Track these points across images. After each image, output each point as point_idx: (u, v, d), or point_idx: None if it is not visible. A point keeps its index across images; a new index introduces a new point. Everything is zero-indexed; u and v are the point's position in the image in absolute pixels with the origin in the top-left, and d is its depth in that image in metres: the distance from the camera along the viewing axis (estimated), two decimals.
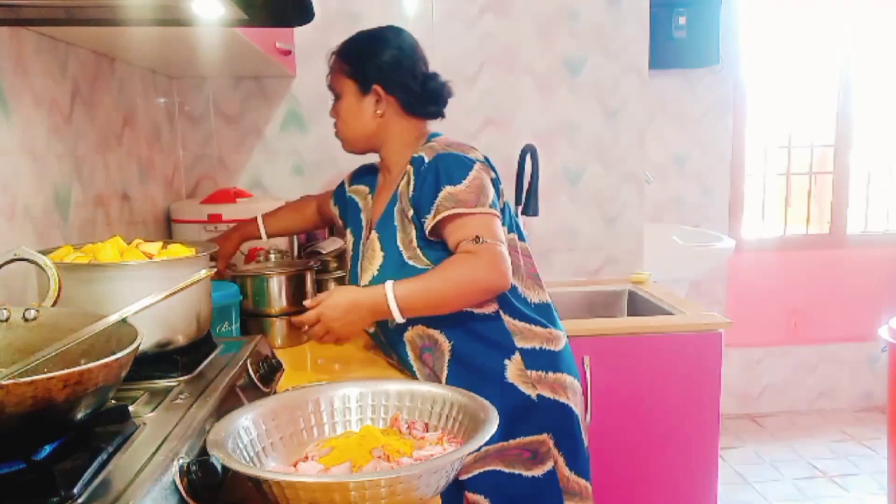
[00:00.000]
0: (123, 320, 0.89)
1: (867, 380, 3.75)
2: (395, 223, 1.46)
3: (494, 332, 1.44)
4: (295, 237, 2.26)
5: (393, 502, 0.80)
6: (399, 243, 1.44)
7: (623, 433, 2.10)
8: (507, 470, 1.42)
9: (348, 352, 1.75)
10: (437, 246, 1.42)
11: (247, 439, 0.93)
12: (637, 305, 2.52)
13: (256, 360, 1.25)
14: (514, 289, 1.46)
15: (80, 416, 0.76)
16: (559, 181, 2.60)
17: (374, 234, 1.50)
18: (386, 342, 1.56)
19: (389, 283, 1.33)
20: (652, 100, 3.19)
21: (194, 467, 0.80)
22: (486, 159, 1.47)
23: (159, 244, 1.23)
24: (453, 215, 1.36)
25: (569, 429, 1.46)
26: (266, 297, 1.75)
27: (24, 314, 0.94)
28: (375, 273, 1.45)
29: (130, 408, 0.94)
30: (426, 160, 1.42)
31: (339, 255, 2.13)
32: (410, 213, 1.42)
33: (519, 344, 1.44)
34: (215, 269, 1.17)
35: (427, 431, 1.02)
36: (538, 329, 1.46)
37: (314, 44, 2.41)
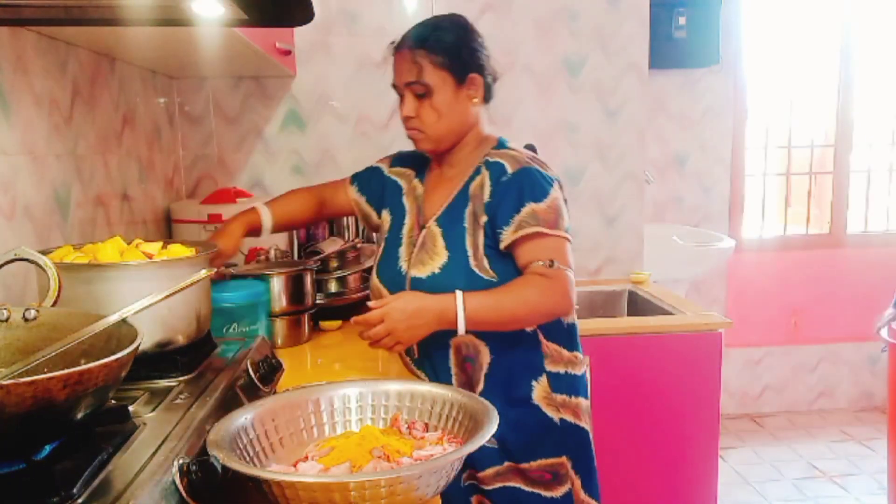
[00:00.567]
0: (123, 320, 0.89)
1: (867, 380, 3.75)
2: (465, 224, 1.42)
3: (529, 353, 1.44)
4: (295, 237, 2.26)
5: (393, 502, 0.80)
6: (468, 246, 1.40)
7: (623, 433, 2.10)
8: (527, 489, 1.44)
9: (348, 352, 1.75)
10: (506, 259, 1.39)
11: (247, 439, 0.93)
12: (637, 305, 2.52)
13: (256, 360, 1.25)
14: None
15: (80, 416, 0.76)
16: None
17: (434, 227, 1.45)
18: (427, 349, 1.49)
19: (460, 295, 1.31)
20: (652, 100, 3.19)
21: (194, 467, 0.80)
22: (558, 178, 1.45)
23: (159, 244, 1.23)
24: (533, 234, 1.34)
25: (585, 452, 1.48)
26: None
27: (24, 314, 0.94)
28: (437, 271, 1.41)
29: (130, 408, 0.94)
30: (508, 170, 1.39)
31: (340, 255, 2.13)
32: (484, 219, 1.39)
33: (548, 367, 1.44)
34: (215, 270, 1.16)
35: (427, 431, 1.02)
36: (565, 352, 1.47)
37: (314, 44, 2.42)
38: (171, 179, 2.34)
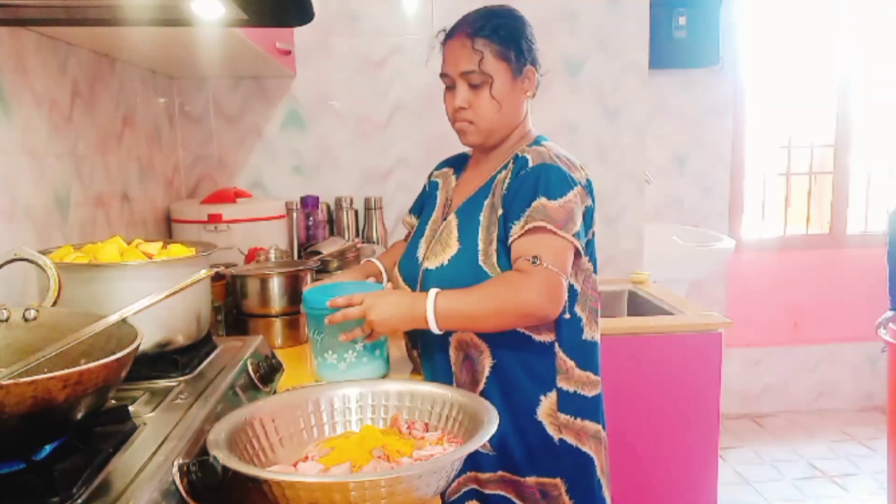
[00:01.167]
0: (123, 320, 0.89)
1: (867, 380, 3.75)
2: (481, 217, 1.37)
3: (541, 364, 1.38)
4: (295, 237, 2.26)
5: (393, 502, 0.80)
6: (480, 240, 1.36)
7: (623, 433, 2.09)
8: (518, 502, 1.40)
9: None
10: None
11: (247, 439, 0.93)
12: (637, 305, 2.52)
13: (256, 360, 1.25)
14: (577, 320, 1.41)
15: (80, 416, 0.76)
16: None
17: (453, 218, 1.42)
18: (428, 346, 1.47)
19: (433, 293, 1.27)
20: (652, 100, 3.19)
21: (194, 467, 0.80)
22: (589, 183, 1.39)
23: (159, 244, 1.23)
24: (537, 228, 1.28)
25: (584, 478, 1.41)
26: (266, 297, 1.74)
27: (24, 314, 0.94)
28: (446, 263, 1.37)
29: (130, 408, 0.94)
30: (530, 163, 1.34)
31: (340, 255, 2.13)
32: (500, 212, 1.34)
33: (560, 383, 1.38)
34: (215, 270, 1.16)
35: (427, 431, 1.02)
36: (578, 371, 1.41)
37: (314, 44, 2.42)
38: (171, 179, 2.34)
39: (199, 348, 1.22)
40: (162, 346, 1.15)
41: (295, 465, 0.94)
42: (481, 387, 1.39)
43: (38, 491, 0.70)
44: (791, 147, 3.73)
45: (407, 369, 1.57)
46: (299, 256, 2.22)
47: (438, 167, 1.63)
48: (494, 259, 1.34)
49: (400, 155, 2.52)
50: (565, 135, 2.58)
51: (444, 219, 1.45)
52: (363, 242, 2.28)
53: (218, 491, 0.81)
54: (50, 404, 0.70)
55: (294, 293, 1.76)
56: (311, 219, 2.35)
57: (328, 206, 2.46)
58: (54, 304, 0.95)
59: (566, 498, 1.40)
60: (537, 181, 1.31)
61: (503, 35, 1.35)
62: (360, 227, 2.46)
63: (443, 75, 1.40)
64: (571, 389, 1.40)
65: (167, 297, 0.94)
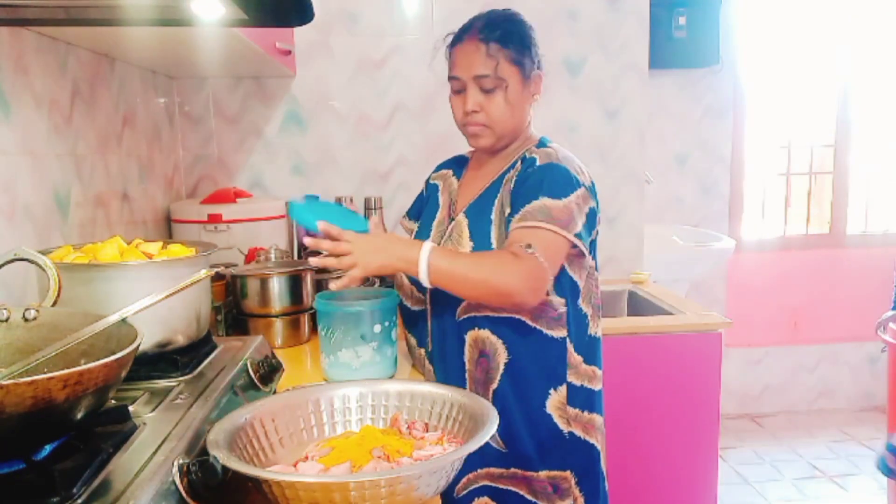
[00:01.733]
0: (123, 320, 0.89)
1: (867, 380, 3.75)
2: (492, 216, 1.40)
3: (553, 359, 1.40)
4: (295, 237, 2.26)
5: (393, 502, 0.80)
6: (493, 239, 1.38)
7: (623, 433, 2.09)
8: (530, 497, 1.42)
9: None
10: None
11: (247, 439, 0.93)
12: (637, 305, 2.52)
13: (256, 360, 1.25)
14: (584, 316, 1.44)
15: (80, 416, 0.76)
16: None
17: (462, 219, 1.44)
18: (441, 343, 1.47)
19: (429, 244, 1.28)
20: (652, 100, 3.19)
21: (194, 467, 0.80)
22: (593, 185, 1.42)
23: (159, 244, 1.23)
24: (538, 226, 1.30)
25: (592, 469, 1.45)
26: (266, 297, 1.75)
27: (24, 314, 0.94)
28: None
29: (130, 408, 0.94)
30: (537, 162, 1.37)
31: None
32: (508, 210, 1.37)
33: (570, 378, 1.41)
34: (215, 270, 1.16)
35: (427, 431, 1.02)
36: (584, 366, 1.44)
37: (314, 44, 2.42)
38: (171, 179, 2.34)
39: (199, 348, 1.22)
40: (162, 346, 1.15)
41: (295, 465, 0.94)
42: (495, 384, 1.40)
43: (38, 491, 0.70)
44: (791, 147, 3.73)
45: (406, 369, 1.57)
46: (299, 256, 2.22)
47: (436, 170, 1.64)
48: None
49: (400, 155, 2.52)
50: (565, 135, 2.58)
51: (452, 219, 1.47)
52: None
53: (218, 491, 0.81)
54: (50, 404, 0.70)
55: (294, 293, 1.76)
56: None
57: None
58: (54, 304, 0.95)
59: (576, 490, 1.43)
60: (542, 180, 1.34)
61: (516, 41, 1.38)
62: None
63: (452, 78, 1.41)
64: (579, 383, 1.43)
65: (167, 297, 0.94)
